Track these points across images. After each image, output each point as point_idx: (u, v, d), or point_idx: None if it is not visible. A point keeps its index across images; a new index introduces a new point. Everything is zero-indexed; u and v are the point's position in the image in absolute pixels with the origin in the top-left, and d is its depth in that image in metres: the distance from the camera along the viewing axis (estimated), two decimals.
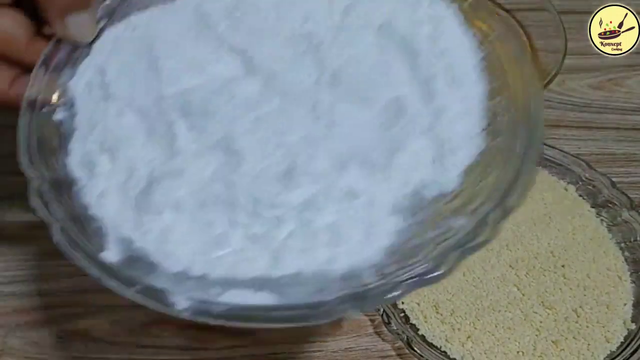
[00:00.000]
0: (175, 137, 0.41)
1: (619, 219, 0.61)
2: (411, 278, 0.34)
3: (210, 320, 0.34)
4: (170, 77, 0.43)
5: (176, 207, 0.39)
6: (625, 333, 0.56)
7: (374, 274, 0.36)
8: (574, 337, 0.55)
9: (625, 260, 0.59)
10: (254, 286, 0.36)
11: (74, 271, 0.55)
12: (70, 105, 0.43)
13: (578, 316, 0.56)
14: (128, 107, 0.42)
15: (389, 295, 0.34)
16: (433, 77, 0.42)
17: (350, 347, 0.57)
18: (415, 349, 0.53)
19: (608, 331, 0.55)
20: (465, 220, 0.36)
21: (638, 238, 0.60)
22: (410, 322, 0.56)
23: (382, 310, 0.55)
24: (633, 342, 0.55)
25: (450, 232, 0.37)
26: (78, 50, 0.44)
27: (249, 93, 0.42)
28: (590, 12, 0.67)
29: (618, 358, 0.54)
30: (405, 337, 0.54)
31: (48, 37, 0.44)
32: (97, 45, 0.44)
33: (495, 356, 0.54)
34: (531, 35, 0.74)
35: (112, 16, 0.46)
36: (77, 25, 0.43)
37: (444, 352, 0.54)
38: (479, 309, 0.56)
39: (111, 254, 0.36)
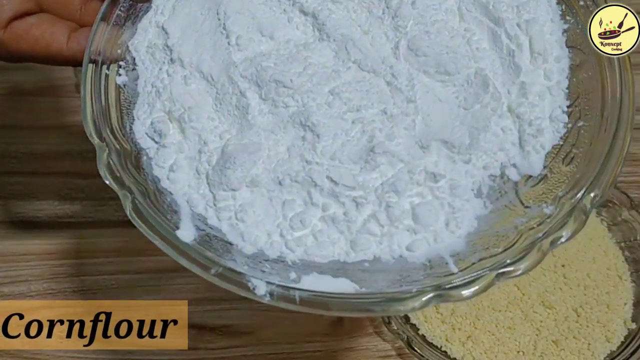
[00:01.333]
0: (248, 107, 0.39)
1: (619, 218, 0.61)
2: (495, 270, 0.33)
3: (292, 306, 0.33)
4: (239, 40, 0.40)
5: (252, 184, 0.37)
6: (625, 332, 0.56)
7: (455, 264, 0.35)
8: (574, 337, 0.55)
9: (625, 259, 0.59)
10: (331, 271, 0.35)
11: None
12: (131, 67, 0.41)
13: (578, 316, 0.56)
14: (195, 72, 0.40)
15: (472, 289, 0.32)
16: (516, 50, 0.39)
17: (350, 347, 0.57)
18: (416, 348, 0.53)
19: (608, 331, 0.55)
20: (553, 208, 0.35)
21: (638, 238, 0.60)
22: (411, 322, 0.56)
23: None
24: (633, 342, 0.55)
25: (534, 221, 0.35)
26: (137, 6, 0.43)
27: (324, 61, 0.40)
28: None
29: (618, 357, 0.54)
30: (406, 336, 0.54)
31: None
32: (157, 1, 0.43)
33: (495, 356, 0.54)
34: None
35: None
36: None
37: (444, 351, 0.54)
38: (479, 309, 0.56)
39: (186, 233, 0.35)
